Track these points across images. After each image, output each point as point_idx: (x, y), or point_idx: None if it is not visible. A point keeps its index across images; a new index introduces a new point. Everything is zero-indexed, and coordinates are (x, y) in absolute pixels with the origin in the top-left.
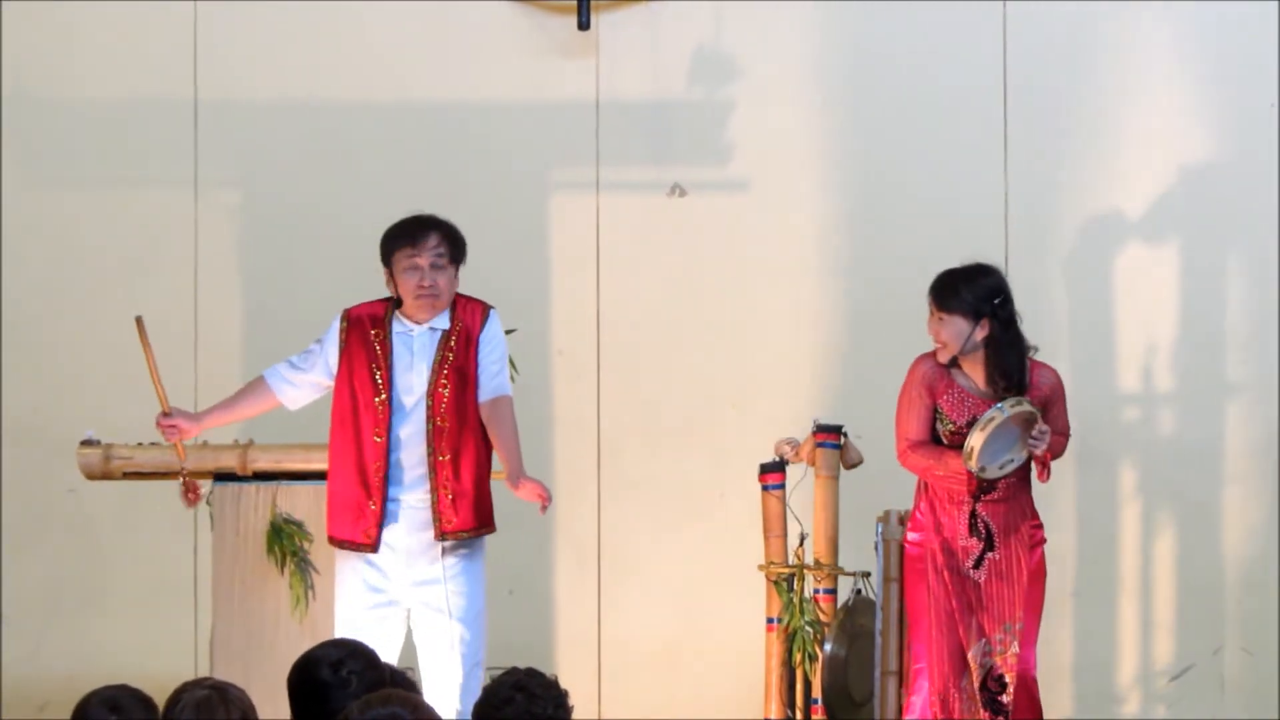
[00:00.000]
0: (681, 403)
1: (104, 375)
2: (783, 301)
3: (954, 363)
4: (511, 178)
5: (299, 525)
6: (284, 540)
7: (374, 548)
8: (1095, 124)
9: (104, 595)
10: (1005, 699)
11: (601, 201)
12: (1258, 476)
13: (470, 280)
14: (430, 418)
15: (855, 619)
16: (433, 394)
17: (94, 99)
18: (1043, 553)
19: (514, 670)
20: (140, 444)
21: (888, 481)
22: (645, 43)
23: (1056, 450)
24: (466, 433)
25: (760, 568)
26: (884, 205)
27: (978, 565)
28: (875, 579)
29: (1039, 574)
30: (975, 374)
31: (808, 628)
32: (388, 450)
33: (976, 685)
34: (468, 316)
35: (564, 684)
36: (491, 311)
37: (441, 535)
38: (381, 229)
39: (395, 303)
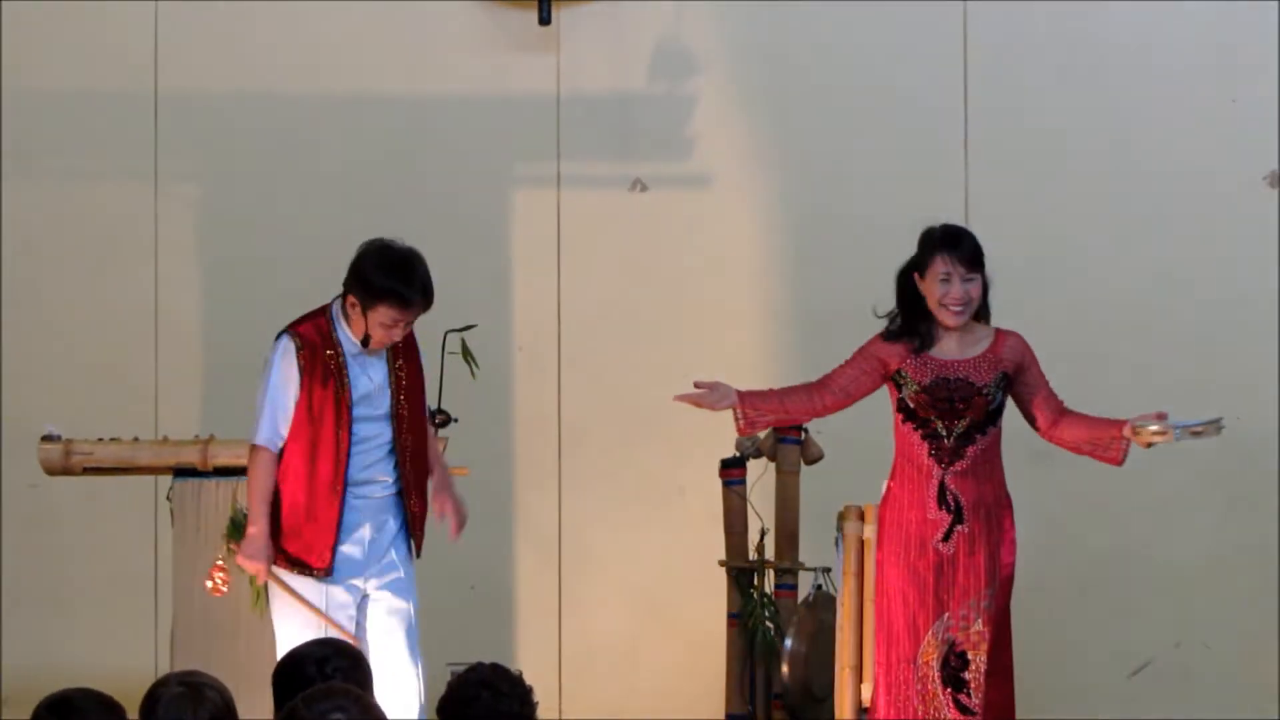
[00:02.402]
0: (642, 398)
1: (64, 369)
2: (743, 297)
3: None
4: (472, 172)
5: None
6: (244, 535)
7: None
8: (1056, 119)
9: (64, 590)
10: (968, 675)
11: (562, 196)
12: (1215, 470)
13: (432, 274)
14: (396, 436)
15: (816, 614)
16: (396, 415)
17: (53, 91)
18: (1014, 549)
19: (479, 666)
20: (100, 439)
21: (848, 477)
22: (606, 38)
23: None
24: (423, 449)
25: (721, 563)
26: (844, 201)
27: (946, 539)
28: (835, 574)
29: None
30: (951, 334)
31: (768, 623)
32: (348, 469)
33: (938, 662)
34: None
35: (525, 678)
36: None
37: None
38: (340, 224)
39: (333, 313)
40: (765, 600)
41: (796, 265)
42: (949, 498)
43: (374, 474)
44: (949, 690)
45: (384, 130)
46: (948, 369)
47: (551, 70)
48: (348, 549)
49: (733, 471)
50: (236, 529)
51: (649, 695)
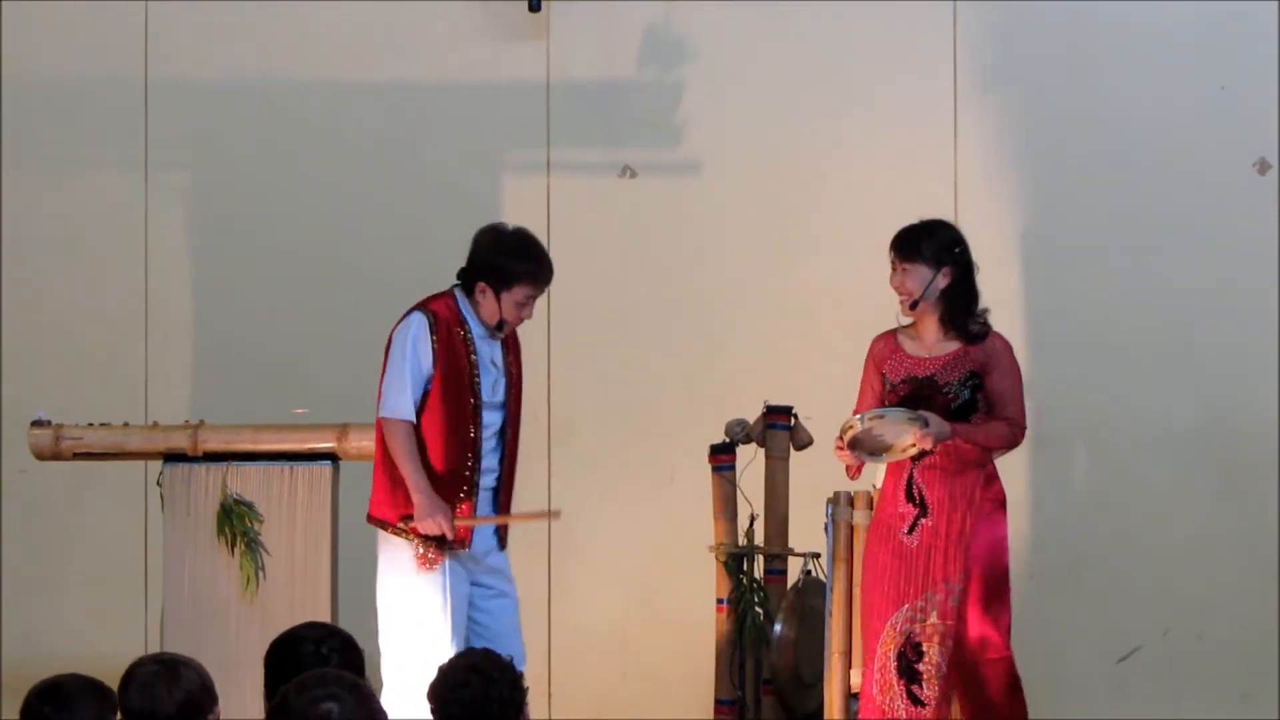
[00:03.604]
0: (631, 384)
1: (55, 356)
2: (733, 283)
3: (907, 334)
4: (462, 159)
5: (249, 506)
6: (234, 521)
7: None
8: (1045, 108)
9: (55, 576)
10: (921, 667)
11: (552, 183)
12: (1204, 459)
13: (422, 262)
14: (503, 426)
15: (805, 600)
16: (506, 405)
17: (43, 80)
18: (998, 541)
19: (470, 652)
20: (90, 424)
21: (837, 463)
22: (596, 25)
23: (989, 440)
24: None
25: (710, 549)
26: (834, 187)
27: (910, 531)
28: (825, 560)
29: (990, 545)
30: (928, 329)
31: (757, 609)
32: (479, 451)
33: (894, 652)
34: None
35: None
36: None
37: (503, 544)
38: (330, 211)
39: (457, 297)
40: (755, 586)
41: (785, 250)
42: (915, 491)
43: (489, 461)
44: (903, 681)
45: (374, 118)
46: (918, 366)
47: (541, 57)
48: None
49: (722, 457)
50: (227, 514)
51: (639, 681)
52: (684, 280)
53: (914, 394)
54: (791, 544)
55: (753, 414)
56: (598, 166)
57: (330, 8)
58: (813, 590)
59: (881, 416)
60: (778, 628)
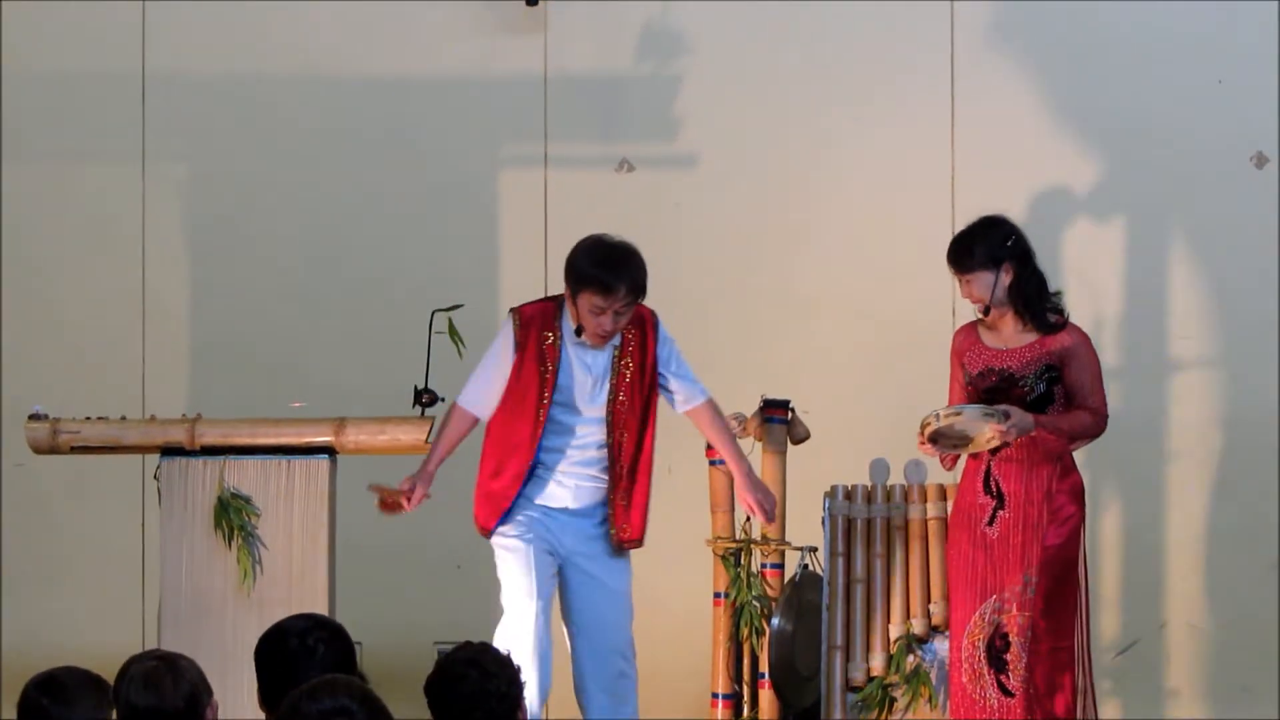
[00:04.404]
0: None
1: (52, 349)
2: (729, 277)
3: (986, 326)
4: (459, 153)
5: (246, 500)
6: (231, 514)
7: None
8: (1042, 100)
9: (52, 569)
10: (1009, 657)
11: (549, 177)
12: (1200, 452)
13: (419, 256)
14: (611, 430)
15: (802, 594)
16: (611, 411)
17: (41, 74)
18: (1068, 533)
19: (467, 645)
20: (88, 418)
21: (834, 456)
22: (593, 19)
23: (1073, 429)
24: (641, 444)
25: (708, 542)
26: (830, 181)
27: (990, 523)
28: (822, 554)
29: (1064, 537)
30: (1005, 322)
31: (755, 602)
32: (537, 455)
33: (984, 642)
34: (638, 326)
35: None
36: (658, 318)
37: (620, 544)
38: (327, 204)
39: (561, 300)
40: (752, 580)
41: (782, 244)
42: (993, 484)
43: (581, 464)
44: (992, 671)
45: (372, 112)
46: (996, 359)
47: (538, 51)
48: (537, 519)
49: None
50: (224, 508)
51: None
52: (680, 274)
53: (992, 388)
54: (788, 538)
55: (749, 408)
56: (595, 161)
57: (327, 3)
58: (810, 584)
59: (959, 413)
60: (775, 622)
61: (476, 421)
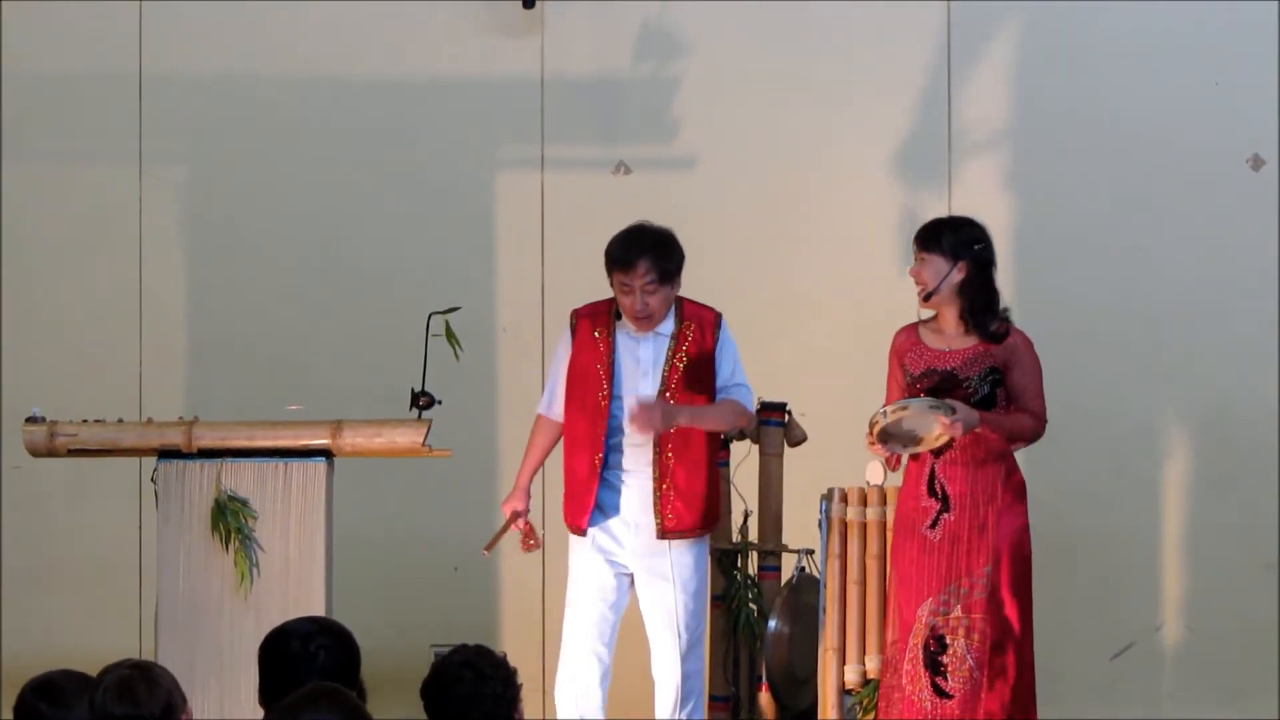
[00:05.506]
0: None
1: (49, 352)
2: (727, 279)
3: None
4: (456, 155)
5: (243, 503)
6: (228, 517)
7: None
8: (1039, 103)
9: (50, 572)
10: (945, 659)
11: (546, 179)
12: (1200, 453)
13: (417, 257)
14: None
15: (799, 596)
16: (660, 400)
17: (39, 73)
18: (1018, 530)
19: (463, 648)
20: (85, 421)
21: (831, 459)
22: (590, 21)
23: (1013, 430)
24: (693, 435)
25: None
26: (828, 183)
27: (933, 526)
28: (819, 556)
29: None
30: (948, 323)
31: (751, 605)
32: (607, 448)
33: (921, 645)
34: (697, 323)
35: (509, 660)
36: (721, 320)
37: (663, 533)
38: (324, 206)
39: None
40: (749, 582)
41: (780, 246)
42: (937, 486)
43: (634, 455)
44: (928, 673)
45: (369, 113)
46: (938, 359)
47: (536, 53)
48: (605, 519)
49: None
50: (221, 511)
51: (632, 677)
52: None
53: (934, 388)
54: (785, 540)
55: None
56: (592, 162)
57: (326, 3)
58: (807, 586)
59: (905, 408)
60: (772, 624)
61: (560, 426)
